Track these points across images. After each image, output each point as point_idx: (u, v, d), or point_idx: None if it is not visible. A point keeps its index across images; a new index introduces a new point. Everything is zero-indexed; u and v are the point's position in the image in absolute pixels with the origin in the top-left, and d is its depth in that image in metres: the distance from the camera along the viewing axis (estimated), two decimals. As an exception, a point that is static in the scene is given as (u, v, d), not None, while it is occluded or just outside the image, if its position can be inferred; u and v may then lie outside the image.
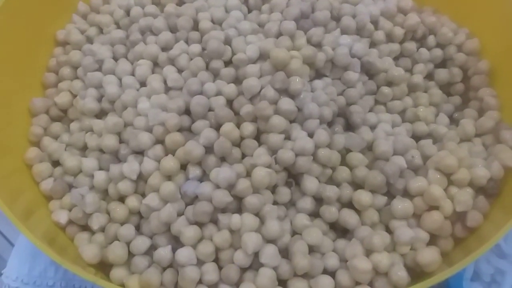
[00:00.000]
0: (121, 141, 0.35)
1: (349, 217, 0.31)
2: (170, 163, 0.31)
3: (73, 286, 0.43)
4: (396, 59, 0.40)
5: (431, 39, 0.41)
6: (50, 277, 0.43)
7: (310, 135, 0.32)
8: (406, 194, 0.32)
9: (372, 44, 0.40)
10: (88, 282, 0.43)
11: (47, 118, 0.39)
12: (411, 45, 0.41)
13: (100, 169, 0.34)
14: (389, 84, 0.39)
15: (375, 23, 0.40)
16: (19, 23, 0.40)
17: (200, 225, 0.31)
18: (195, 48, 0.36)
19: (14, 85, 0.38)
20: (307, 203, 0.32)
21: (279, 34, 0.37)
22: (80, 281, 0.43)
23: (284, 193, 0.32)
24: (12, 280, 0.44)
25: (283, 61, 0.34)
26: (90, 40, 0.42)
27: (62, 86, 0.40)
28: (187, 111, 0.34)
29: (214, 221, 0.31)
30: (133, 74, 0.37)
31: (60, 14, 0.44)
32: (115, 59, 0.39)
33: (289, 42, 0.35)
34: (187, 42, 0.38)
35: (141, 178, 0.33)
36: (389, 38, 0.40)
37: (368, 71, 0.38)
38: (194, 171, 0.32)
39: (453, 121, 0.39)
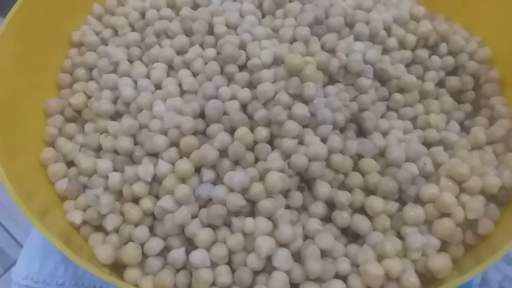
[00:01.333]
0: (135, 143, 0.35)
1: (361, 223, 0.32)
2: (184, 166, 0.32)
3: (82, 285, 0.44)
4: (408, 66, 0.41)
5: (443, 47, 0.42)
6: (60, 276, 0.43)
7: (323, 140, 0.33)
8: (418, 200, 0.32)
9: (385, 51, 0.40)
10: (97, 281, 0.44)
11: (62, 118, 0.39)
12: (423, 53, 0.41)
13: (115, 170, 0.35)
14: (401, 90, 0.39)
15: (388, 30, 0.40)
16: (35, 24, 0.40)
17: (214, 228, 0.31)
18: (210, 52, 0.37)
19: (29, 85, 0.39)
20: (319, 208, 0.32)
21: (293, 40, 0.37)
22: (89, 280, 0.43)
23: (297, 197, 0.32)
24: (22, 278, 0.44)
25: (298, 66, 0.34)
26: (105, 42, 0.42)
27: (77, 87, 0.40)
28: (201, 115, 0.34)
29: (228, 224, 0.31)
30: (148, 77, 0.38)
31: (75, 15, 0.44)
32: (130, 61, 0.39)
33: (303, 47, 0.36)
34: (202, 46, 0.38)
35: (156, 180, 0.33)
36: (402, 45, 0.41)
37: (381, 78, 0.39)
38: (208, 174, 0.32)
39: (464, 128, 0.39)
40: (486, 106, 0.40)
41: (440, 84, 0.42)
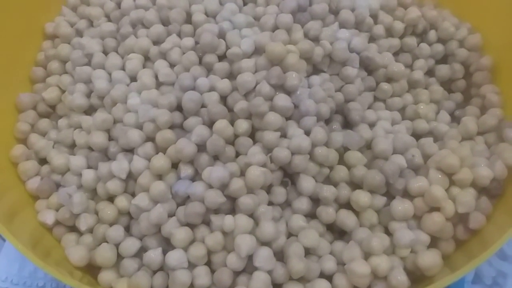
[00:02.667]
0: (110, 139, 0.33)
1: (346, 219, 0.30)
2: (160, 161, 0.30)
3: (64, 287, 0.42)
4: (396, 54, 0.39)
5: (432, 34, 0.40)
6: (40, 278, 0.42)
7: (307, 133, 0.31)
8: (406, 194, 0.31)
9: (371, 39, 0.38)
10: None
11: (34, 114, 0.37)
12: (411, 40, 0.39)
13: (89, 167, 0.33)
14: (389, 80, 0.38)
15: (374, 17, 0.39)
16: (7, 15, 0.38)
17: (192, 226, 0.29)
18: (188, 41, 0.35)
19: (0, 79, 0.37)
20: (303, 203, 0.31)
21: (275, 28, 0.35)
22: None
23: (280, 193, 0.31)
24: (1, 280, 0.42)
25: (279, 55, 0.32)
26: (79, 33, 0.41)
27: (51, 81, 0.39)
28: (179, 108, 0.33)
29: (207, 223, 0.30)
30: (123, 69, 0.36)
31: (49, 6, 0.42)
32: (105, 53, 0.37)
33: (285, 36, 0.34)
34: (179, 35, 0.36)
35: (131, 177, 0.32)
36: (389, 32, 0.39)
37: (367, 67, 0.37)
38: (186, 170, 0.30)
39: (454, 118, 0.38)
40: (477, 95, 0.38)
41: (430, 73, 0.40)
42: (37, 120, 0.37)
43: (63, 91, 0.38)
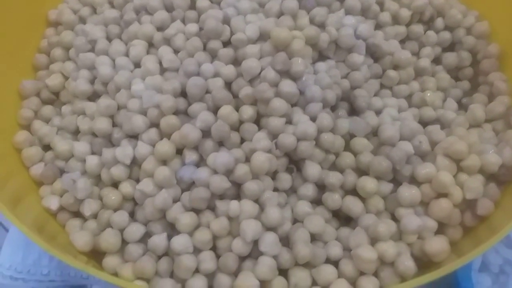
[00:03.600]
0: (114, 125, 0.33)
1: (353, 205, 0.30)
2: (165, 147, 0.30)
3: (68, 275, 0.42)
4: (402, 42, 0.39)
5: (439, 22, 0.40)
6: (44, 266, 0.42)
7: (313, 119, 0.31)
8: (413, 181, 0.31)
9: (378, 26, 0.38)
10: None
11: (38, 100, 0.37)
12: (418, 28, 0.39)
13: (93, 153, 0.33)
14: (395, 67, 0.37)
15: (380, 4, 0.38)
16: (10, 2, 0.38)
17: (197, 212, 0.29)
18: (192, 27, 0.35)
19: (3, 66, 0.37)
20: (309, 190, 0.30)
21: (280, 14, 0.35)
22: (75, 269, 0.42)
23: (285, 179, 0.31)
24: (5, 268, 0.42)
25: (285, 41, 0.32)
26: (83, 20, 0.40)
27: (54, 67, 0.38)
28: (183, 93, 0.32)
29: (212, 208, 0.30)
30: (127, 55, 0.35)
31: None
32: (109, 39, 0.37)
33: (291, 21, 0.34)
34: (183, 21, 0.36)
35: (135, 163, 0.32)
36: (395, 20, 0.39)
37: (374, 54, 0.37)
38: (191, 156, 0.30)
39: (461, 106, 0.38)
40: (484, 82, 0.38)
41: (436, 60, 0.40)
42: (40, 107, 0.37)
43: (66, 78, 0.38)
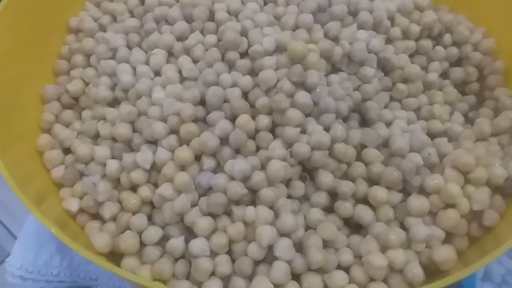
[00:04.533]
0: (134, 130, 0.34)
1: (364, 213, 0.31)
2: (184, 153, 0.31)
3: (77, 276, 0.43)
4: (411, 56, 0.40)
5: (447, 37, 0.41)
6: (55, 266, 0.42)
7: (326, 129, 0.32)
8: (422, 191, 0.32)
9: (388, 41, 0.39)
10: (93, 272, 0.43)
11: (58, 105, 0.38)
12: (427, 43, 0.40)
13: (113, 157, 0.34)
14: (405, 81, 0.38)
15: (391, 19, 0.40)
16: (32, 9, 0.39)
17: (214, 216, 0.30)
18: (211, 38, 0.36)
19: (26, 71, 0.38)
20: (321, 197, 0.32)
21: (295, 27, 0.36)
22: (85, 271, 0.43)
23: (299, 187, 0.32)
24: (16, 268, 0.43)
25: (301, 54, 0.33)
26: (103, 28, 0.42)
27: (74, 73, 0.40)
28: (202, 102, 0.34)
29: (228, 213, 0.31)
30: (147, 63, 0.37)
31: (73, 1, 0.43)
32: (129, 48, 0.38)
33: (306, 35, 0.35)
34: (202, 32, 0.37)
35: (154, 168, 0.33)
36: (405, 35, 0.40)
37: (384, 68, 0.38)
38: (209, 162, 0.31)
39: (468, 120, 0.39)
40: (490, 97, 0.39)
41: (444, 75, 0.41)
42: (61, 111, 0.38)
43: (86, 84, 0.39)
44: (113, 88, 0.37)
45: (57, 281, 0.43)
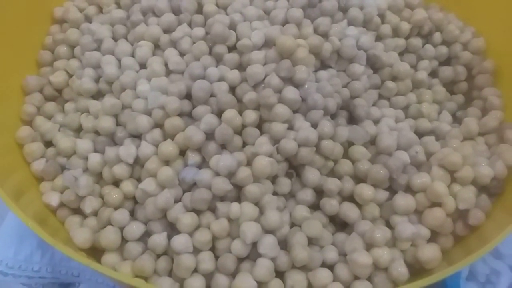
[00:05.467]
0: (118, 124, 0.34)
1: (349, 211, 0.31)
2: (169, 148, 0.31)
3: (59, 272, 0.42)
4: (401, 54, 0.40)
5: (437, 36, 0.41)
6: (36, 262, 0.42)
7: (314, 126, 0.32)
8: (408, 189, 0.31)
9: (378, 38, 0.39)
10: (74, 269, 0.42)
11: (40, 97, 0.38)
12: (416, 41, 0.40)
13: (95, 151, 0.33)
14: (394, 79, 0.38)
15: (382, 16, 0.39)
16: (15, -2, 0.38)
17: (198, 212, 0.30)
18: (199, 31, 0.35)
19: (7, 61, 0.37)
20: (307, 195, 0.31)
21: (285, 22, 0.36)
22: (66, 267, 0.42)
23: (285, 183, 0.31)
24: None
25: (290, 49, 0.33)
26: (88, 19, 0.41)
27: (58, 65, 0.39)
28: (188, 96, 0.33)
29: (212, 209, 0.30)
30: (132, 55, 0.36)
31: (58, -10, 0.42)
32: (115, 39, 0.37)
33: (295, 30, 0.35)
34: (190, 25, 0.37)
35: (137, 162, 0.32)
36: (395, 32, 0.40)
37: (373, 65, 0.38)
38: (194, 157, 0.31)
39: (456, 119, 0.39)
40: (478, 97, 0.39)
41: (433, 74, 0.41)
42: (43, 103, 0.37)
43: (70, 76, 0.38)
44: (97, 80, 0.36)
45: (38, 277, 0.42)
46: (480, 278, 0.37)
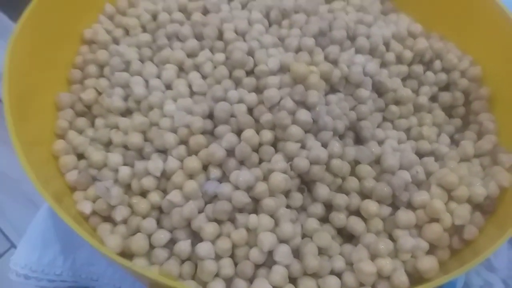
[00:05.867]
0: (145, 139, 0.37)
1: (356, 224, 0.34)
2: (193, 163, 0.34)
3: (79, 276, 0.45)
4: (404, 80, 0.43)
5: (437, 64, 0.44)
6: (58, 266, 0.44)
7: (324, 145, 0.35)
8: (410, 206, 0.35)
9: (383, 65, 0.42)
10: (94, 273, 0.45)
11: (72, 112, 0.41)
12: (418, 68, 0.43)
13: (125, 164, 0.36)
14: (397, 103, 0.41)
15: (386, 45, 0.43)
16: (49, 21, 0.41)
17: (219, 222, 0.33)
18: (220, 57, 0.39)
19: (42, 79, 0.40)
20: (317, 208, 0.34)
21: (298, 49, 0.39)
22: (87, 272, 0.44)
23: (297, 198, 0.34)
24: (20, 267, 0.44)
25: (303, 75, 0.36)
26: (116, 41, 0.44)
27: (88, 83, 0.42)
28: (210, 116, 0.36)
29: (232, 220, 0.33)
30: (159, 77, 0.39)
31: (87, 13, 0.45)
32: (141, 61, 0.41)
33: (308, 57, 0.38)
34: (211, 50, 0.40)
35: (164, 175, 0.35)
36: (399, 60, 0.43)
37: (378, 90, 0.41)
38: (215, 172, 0.34)
39: (453, 141, 0.42)
40: (475, 121, 0.42)
41: (433, 98, 0.44)
42: (74, 118, 0.41)
43: (99, 93, 0.41)
44: (125, 98, 0.39)
45: (59, 281, 0.44)
46: (474, 289, 0.40)
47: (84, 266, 0.44)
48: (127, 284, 0.44)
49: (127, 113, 0.39)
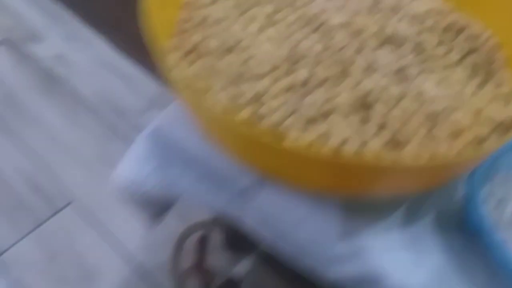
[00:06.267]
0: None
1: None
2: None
3: (169, 190, 0.53)
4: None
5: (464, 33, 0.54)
6: (152, 181, 0.53)
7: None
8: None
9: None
10: (182, 188, 0.52)
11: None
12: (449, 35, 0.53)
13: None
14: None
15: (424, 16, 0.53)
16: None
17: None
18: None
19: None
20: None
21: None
22: (173, 185, 0.53)
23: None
24: (122, 179, 0.54)
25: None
26: None
27: None
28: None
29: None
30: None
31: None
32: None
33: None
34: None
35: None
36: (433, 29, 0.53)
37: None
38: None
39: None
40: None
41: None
42: None
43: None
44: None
45: (150, 191, 0.53)
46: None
47: (176, 180, 0.52)
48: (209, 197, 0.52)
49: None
